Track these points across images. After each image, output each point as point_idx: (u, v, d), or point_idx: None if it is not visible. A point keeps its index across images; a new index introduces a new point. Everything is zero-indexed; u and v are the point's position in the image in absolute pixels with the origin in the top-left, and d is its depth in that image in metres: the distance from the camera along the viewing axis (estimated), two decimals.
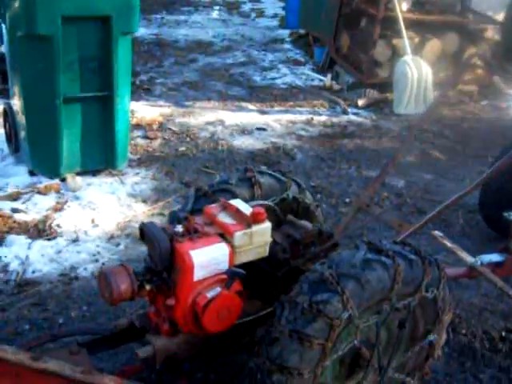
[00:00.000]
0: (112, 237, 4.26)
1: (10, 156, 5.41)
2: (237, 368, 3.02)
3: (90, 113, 4.89)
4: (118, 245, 4.18)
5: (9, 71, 5.12)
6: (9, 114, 5.19)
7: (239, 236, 2.37)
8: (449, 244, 3.37)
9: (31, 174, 5.05)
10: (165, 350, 2.44)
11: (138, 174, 5.31)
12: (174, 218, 2.74)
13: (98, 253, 4.06)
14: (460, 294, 3.84)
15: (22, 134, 5.00)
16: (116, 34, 4.62)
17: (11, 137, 5.23)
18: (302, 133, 6.80)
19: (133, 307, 3.46)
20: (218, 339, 2.57)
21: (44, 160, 4.94)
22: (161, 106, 7.25)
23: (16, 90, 4.91)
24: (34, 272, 3.83)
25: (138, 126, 6.36)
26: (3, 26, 4.97)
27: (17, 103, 4.97)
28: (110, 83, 4.79)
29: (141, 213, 4.62)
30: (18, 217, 4.35)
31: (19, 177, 5.02)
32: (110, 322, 3.36)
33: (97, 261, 3.98)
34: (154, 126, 6.48)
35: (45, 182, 4.91)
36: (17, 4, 4.40)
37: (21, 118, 4.93)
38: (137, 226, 4.34)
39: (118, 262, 3.91)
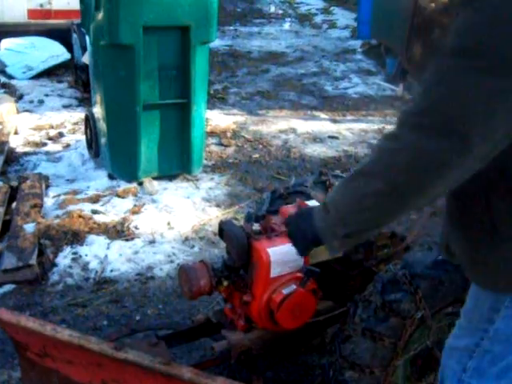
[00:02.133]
0: (187, 239, 4.38)
1: (90, 161, 5.63)
2: (307, 368, 3.08)
3: (168, 119, 5.05)
4: (192, 247, 4.29)
5: (91, 79, 5.33)
6: (90, 120, 5.40)
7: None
8: None
9: (110, 177, 5.25)
10: (239, 345, 2.50)
11: (212, 179, 5.43)
12: (250, 218, 2.82)
13: (174, 254, 4.18)
14: None
15: (103, 139, 5.20)
16: (195, 43, 4.77)
17: (92, 142, 5.45)
18: (374, 141, 6.80)
19: (207, 307, 3.56)
20: (290, 337, 2.63)
21: (123, 164, 5.12)
22: (234, 114, 7.39)
23: (98, 97, 5.11)
24: (112, 271, 3.97)
25: (212, 134, 6.51)
26: (87, 36, 5.20)
27: (98, 110, 5.17)
28: (187, 91, 4.94)
29: (215, 217, 4.72)
30: (97, 218, 4.52)
31: (99, 180, 5.22)
32: (185, 320, 3.47)
33: (172, 262, 4.10)
34: (228, 134, 6.61)
35: (123, 185, 5.09)
36: (101, 15, 4.60)
37: (102, 125, 5.13)
38: (211, 229, 4.49)
39: None
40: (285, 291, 2.35)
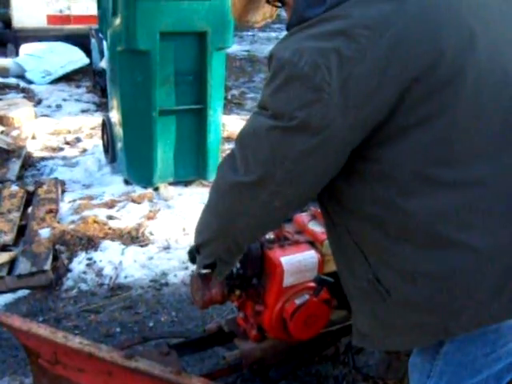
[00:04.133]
0: None
1: (106, 166, 5.64)
2: (321, 378, 3.03)
3: (184, 125, 5.04)
4: None
5: (108, 84, 5.35)
6: (107, 125, 5.41)
7: (329, 244, 2.38)
8: None
9: (126, 183, 5.25)
10: (251, 355, 2.48)
11: None
12: None
13: (188, 261, 4.15)
14: None
15: (119, 144, 5.20)
16: (211, 49, 4.77)
17: (108, 147, 5.45)
18: None
19: (221, 314, 3.53)
20: (303, 347, 2.59)
21: (139, 170, 5.12)
22: None
23: (114, 102, 5.12)
24: (126, 277, 3.96)
25: (228, 139, 6.48)
26: (104, 41, 5.21)
27: (115, 115, 5.18)
28: (203, 96, 4.94)
29: None
30: (112, 224, 4.51)
31: (115, 185, 5.22)
32: (198, 328, 3.44)
33: (186, 268, 4.07)
34: None
35: (139, 191, 5.08)
36: (118, 21, 4.61)
37: (118, 130, 5.14)
38: None
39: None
40: (298, 301, 2.32)
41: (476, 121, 1.39)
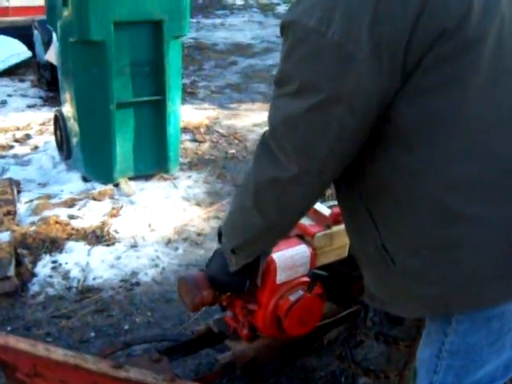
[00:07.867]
0: (170, 241, 4.23)
1: (61, 163, 5.42)
2: (307, 371, 2.98)
3: (143, 117, 4.88)
4: (176, 249, 4.14)
5: (60, 77, 5.12)
6: (60, 120, 5.19)
7: (320, 237, 2.31)
8: None
9: (84, 180, 5.05)
10: (245, 356, 2.39)
11: (189, 177, 5.28)
12: None
13: (158, 257, 4.04)
14: None
15: (75, 140, 5.00)
16: (168, 37, 4.61)
17: (63, 144, 5.24)
18: None
19: (197, 312, 3.43)
20: (295, 343, 2.53)
21: (97, 165, 4.93)
22: (206, 108, 7.24)
23: (68, 96, 4.91)
24: (94, 278, 3.81)
25: (185, 130, 6.34)
26: (54, 33, 5.00)
27: (69, 109, 4.97)
28: (161, 87, 4.78)
29: (196, 216, 4.58)
30: (75, 223, 4.34)
31: (73, 183, 5.02)
32: (176, 327, 3.34)
33: (157, 266, 3.96)
34: (202, 129, 6.46)
35: (98, 187, 4.90)
36: (69, 11, 4.41)
37: (73, 124, 4.94)
38: (193, 229, 4.36)
39: (178, 267, 3.91)
40: (292, 297, 2.24)
41: (492, 91, 1.34)
